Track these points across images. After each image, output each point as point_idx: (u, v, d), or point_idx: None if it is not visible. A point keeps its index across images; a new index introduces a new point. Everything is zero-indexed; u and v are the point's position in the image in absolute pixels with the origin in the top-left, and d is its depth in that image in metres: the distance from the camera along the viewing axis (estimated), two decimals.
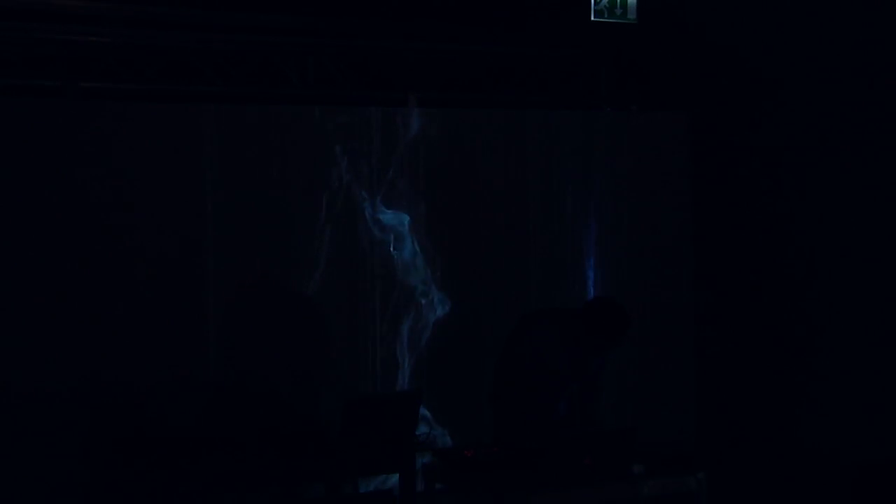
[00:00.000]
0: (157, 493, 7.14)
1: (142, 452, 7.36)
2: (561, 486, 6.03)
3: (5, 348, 7.58)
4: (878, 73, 8.30)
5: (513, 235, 9.27)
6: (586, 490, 6.13)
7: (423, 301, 8.99)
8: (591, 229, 9.56)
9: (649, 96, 9.64)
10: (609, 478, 6.14)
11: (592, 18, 7.86)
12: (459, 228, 9.12)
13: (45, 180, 7.80)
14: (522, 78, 9.30)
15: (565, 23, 8.35)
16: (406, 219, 8.91)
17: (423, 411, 8.42)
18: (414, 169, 8.93)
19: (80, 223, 7.89)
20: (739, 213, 9.55)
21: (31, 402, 7.64)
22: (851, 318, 8.67)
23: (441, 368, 8.94)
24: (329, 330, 8.67)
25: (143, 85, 8.24)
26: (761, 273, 9.40)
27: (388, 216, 8.91)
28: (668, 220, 9.71)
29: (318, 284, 8.61)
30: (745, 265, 9.51)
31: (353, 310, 8.74)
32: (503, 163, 9.22)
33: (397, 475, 7.70)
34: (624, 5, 7.94)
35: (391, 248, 8.91)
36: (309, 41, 8.55)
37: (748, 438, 9.25)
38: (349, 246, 8.72)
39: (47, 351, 7.70)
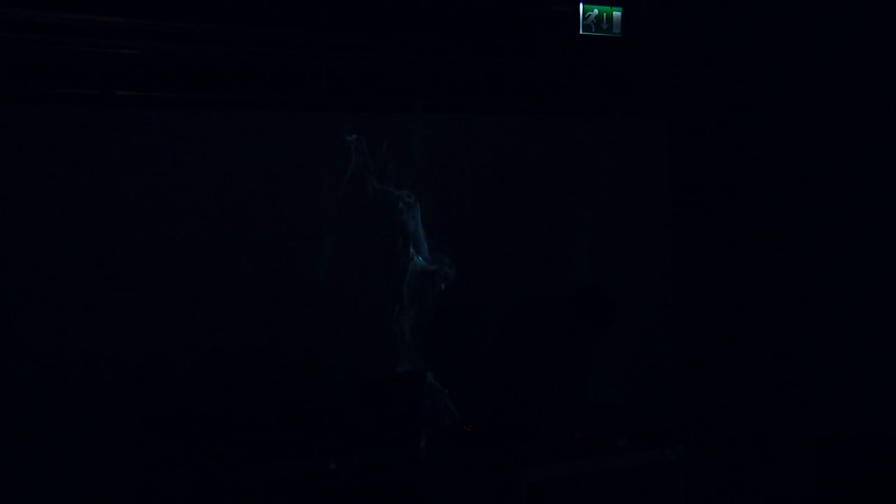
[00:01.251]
0: (186, 464, 7.18)
1: (172, 428, 7.39)
2: (553, 458, 6.04)
3: (51, 334, 7.60)
4: (846, 81, 8.29)
5: (510, 228, 9.26)
6: (576, 462, 6.14)
7: (428, 289, 8.97)
8: (580, 223, 9.57)
9: (633, 103, 9.63)
10: (597, 451, 6.13)
11: (581, 32, 7.80)
12: (462, 223, 9.11)
13: (86, 177, 7.79)
14: (518, 86, 9.30)
15: (556, 36, 8.31)
16: (414, 212, 8.89)
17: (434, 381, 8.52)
18: (420, 169, 8.91)
19: (117, 217, 7.88)
20: (715, 209, 9.54)
21: (74, 383, 7.64)
22: (815, 307, 8.66)
23: (445, 350, 8.92)
24: (342, 316, 8.65)
25: (173, 93, 8.25)
26: (735, 266, 9.38)
27: (395, 209, 8.88)
28: (650, 215, 9.73)
29: (335, 275, 8.60)
30: (719, 258, 9.50)
31: (365, 298, 8.72)
32: (501, 164, 9.21)
33: (404, 449, 7.76)
34: (609, 21, 7.86)
35: (399, 239, 8.88)
36: (323, 53, 8.55)
37: (723, 415, 9.25)
38: (360, 236, 8.71)
39: (89, 337, 7.71)
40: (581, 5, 7.80)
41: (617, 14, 7.92)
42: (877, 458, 6.90)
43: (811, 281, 8.74)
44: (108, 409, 7.68)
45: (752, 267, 9.25)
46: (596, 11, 7.87)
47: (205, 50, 8.20)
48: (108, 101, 7.95)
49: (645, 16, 8.01)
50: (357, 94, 8.76)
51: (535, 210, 9.39)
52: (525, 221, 9.35)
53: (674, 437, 6.40)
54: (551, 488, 6.69)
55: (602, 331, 6.73)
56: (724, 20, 8.25)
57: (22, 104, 7.79)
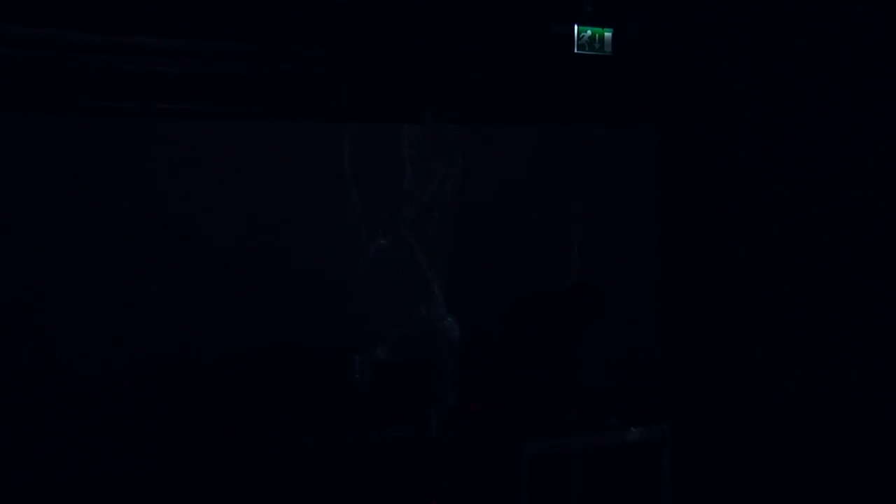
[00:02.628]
0: (219, 441, 7.25)
1: (206, 407, 7.49)
2: (550, 435, 6.06)
3: (100, 328, 7.66)
4: (819, 95, 8.27)
5: (512, 226, 9.26)
6: (571, 438, 6.15)
7: (436, 285, 9.02)
8: (575, 220, 9.57)
9: (622, 115, 9.61)
10: (590, 428, 6.16)
11: (576, 51, 7.72)
12: (467, 222, 9.12)
13: (129, 181, 7.83)
14: (519, 99, 9.28)
15: (554, 55, 8.25)
16: (427, 213, 8.94)
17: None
18: (433, 170, 8.96)
19: (159, 219, 7.92)
20: (696, 209, 9.54)
21: (121, 368, 7.70)
22: (788, 299, 8.64)
23: (453, 337, 9.00)
24: (359, 307, 8.68)
25: (207, 106, 8.25)
26: (714, 261, 9.37)
27: (409, 210, 8.90)
28: (637, 215, 9.73)
29: (355, 270, 8.65)
30: (700, 254, 9.50)
31: (377, 291, 8.76)
32: (504, 169, 9.22)
33: (415, 427, 7.79)
34: (602, 41, 7.79)
35: (411, 237, 8.92)
36: (343, 69, 8.52)
37: (703, 397, 9.25)
38: (375, 232, 8.72)
39: (135, 328, 7.77)
40: (576, 27, 7.70)
41: (608, 35, 7.83)
42: (841, 435, 6.92)
43: (784, 275, 8.71)
44: (150, 390, 7.73)
45: (729, 262, 9.23)
46: (589, 32, 7.79)
47: (236, 67, 8.19)
48: (149, 114, 7.96)
49: (633, 37, 7.97)
50: (374, 107, 8.74)
51: (534, 210, 9.38)
52: (525, 220, 9.34)
53: (659, 416, 6.37)
54: (549, 463, 6.68)
55: (594, 321, 6.72)
56: (705, 41, 8.25)
57: (73, 116, 7.80)
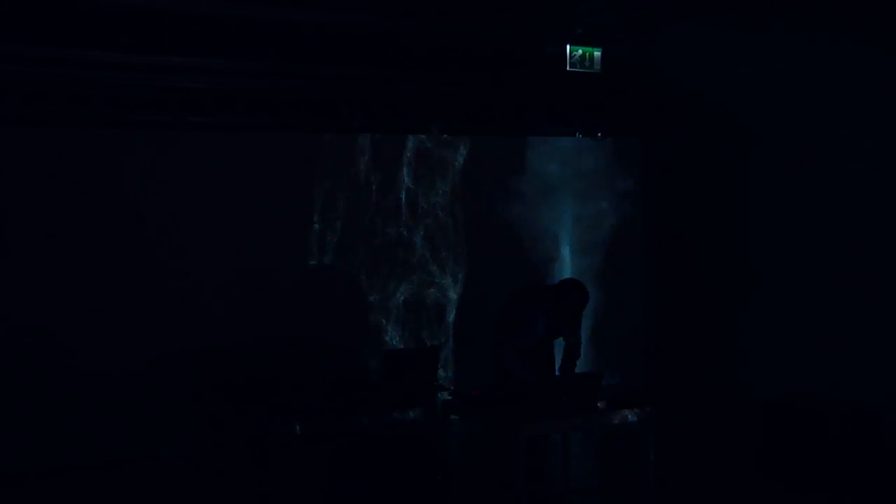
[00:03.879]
0: (247, 421, 7.27)
1: (237, 391, 7.42)
2: (545, 417, 5.98)
3: (146, 324, 7.75)
4: (788, 109, 8.33)
5: (510, 226, 9.30)
6: (563, 420, 6.09)
7: (444, 282, 9.06)
8: (567, 222, 9.60)
9: (611, 126, 9.63)
10: (580, 411, 6.06)
11: (568, 69, 7.52)
12: (472, 223, 9.17)
13: (160, 186, 7.90)
14: (517, 112, 9.30)
15: (548, 72, 8.21)
16: (435, 215, 8.98)
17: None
18: (438, 177, 9.02)
19: (192, 221, 7.98)
20: (677, 212, 9.59)
21: (166, 355, 7.81)
22: (760, 294, 8.69)
23: (457, 330, 9.06)
24: (368, 303, 8.74)
25: (235, 118, 8.28)
26: (694, 258, 9.40)
27: (420, 211, 8.98)
28: (623, 217, 9.76)
29: (360, 268, 8.69)
30: (681, 251, 9.53)
31: (387, 289, 8.83)
32: (502, 174, 9.27)
33: (422, 409, 7.73)
34: (591, 59, 7.63)
35: (421, 237, 8.96)
36: (356, 85, 8.56)
37: (683, 382, 9.30)
38: (390, 232, 8.78)
39: (177, 323, 7.88)
40: (568, 47, 7.53)
41: (597, 54, 7.65)
42: (808, 415, 6.93)
43: (758, 270, 8.75)
44: (189, 377, 7.84)
45: (708, 259, 9.24)
46: (580, 52, 7.62)
47: (261, 83, 8.22)
48: (182, 126, 8.01)
49: (621, 56, 7.97)
50: (385, 119, 8.78)
51: (530, 209, 9.42)
52: (523, 220, 9.38)
53: (643, 400, 6.31)
54: (544, 442, 6.70)
55: (577, 311, 6.63)
56: (687, 60, 8.23)
57: (115, 129, 7.88)
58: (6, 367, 7.31)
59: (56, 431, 7.48)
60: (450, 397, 6.96)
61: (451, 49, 8.30)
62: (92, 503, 6.91)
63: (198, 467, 7.53)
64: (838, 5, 6.19)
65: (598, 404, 6.13)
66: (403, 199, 8.88)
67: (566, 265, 9.49)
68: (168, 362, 7.78)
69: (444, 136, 9.02)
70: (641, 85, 9.14)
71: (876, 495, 6.37)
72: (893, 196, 7.59)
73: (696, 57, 8.26)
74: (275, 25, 7.10)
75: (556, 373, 6.82)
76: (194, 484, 7.24)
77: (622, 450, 7.26)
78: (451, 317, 9.09)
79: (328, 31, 7.38)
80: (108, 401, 7.61)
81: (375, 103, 8.73)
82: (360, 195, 8.69)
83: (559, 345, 6.85)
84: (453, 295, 9.09)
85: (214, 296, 7.99)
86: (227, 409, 7.61)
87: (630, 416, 6.13)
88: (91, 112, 7.73)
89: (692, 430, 8.43)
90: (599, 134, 9.55)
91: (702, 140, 9.22)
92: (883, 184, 7.67)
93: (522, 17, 7.27)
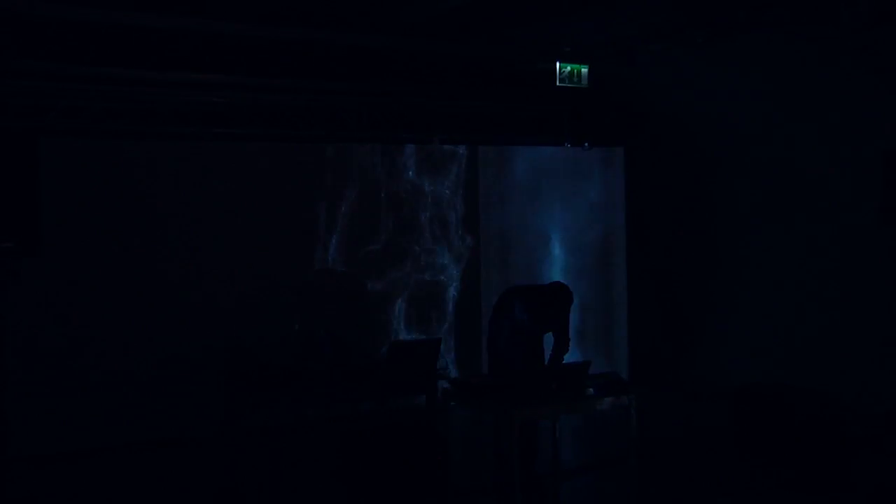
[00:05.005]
0: (264, 406, 7.29)
1: (255, 380, 7.44)
2: (537, 403, 5.93)
3: (174, 320, 7.82)
4: (759, 121, 8.38)
5: (505, 227, 9.35)
6: (553, 406, 6.04)
7: (444, 278, 9.09)
8: (557, 224, 9.63)
9: (596, 136, 9.64)
10: (569, 398, 6.01)
11: (557, 84, 7.64)
12: (468, 223, 9.17)
13: (187, 193, 7.94)
14: (511, 123, 9.34)
15: (539, 87, 8.31)
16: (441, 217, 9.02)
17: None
18: (439, 182, 9.05)
19: (214, 225, 8.02)
20: (657, 215, 9.61)
21: (191, 348, 7.88)
22: (733, 290, 8.73)
23: (458, 324, 9.12)
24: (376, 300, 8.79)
25: (253, 130, 8.31)
26: (673, 258, 9.43)
27: (421, 214, 9.01)
28: (609, 221, 9.79)
29: (365, 267, 8.72)
30: (662, 252, 9.55)
31: (394, 286, 8.85)
32: (498, 180, 9.32)
33: (424, 396, 7.78)
34: (579, 75, 7.74)
35: (422, 237, 9.00)
36: (363, 99, 8.61)
37: (663, 372, 9.33)
38: (394, 233, 8.78)
39: (199, 317, 7.95)
40: (558, 63, 7.58)
41: (584, 70, 7.67)
42: (775, 401, 6.95)
43: (731, 270, 8.80)
44: (212, 367, 7.82)
45: (685, 259, 9.27)
46: (569, 68, 7.65)
47: (277, 98, 8.28)
48: (206, 137, 8.10)
49: (606, 72, 8.01)
50: (389, 129, 8.81)
51: (524, 213, 9.48)
52: (518, 221, 9.42)
53: (627, 387, 6.25)
54: (536, 425, 6.68)
55: (563, 309, 6.62)
56: (666, 76, 8.29)
57: (143, 140, 7.95)
58: (51, 358, 7.39)
59: (97, 415, 7.55)
60: (449, 385, 6.85)
61: (450, 66, 8.35)
62: (128, 479, 6.95)
63: (221, 448, 7.56)
64: (796, 30, 6.29)
65: (586, 391, 6.07)
66: (406, 203, 8.92)
67: (557, 263, 9.52)
68: (193, 355, 7.84)
69: (445, 145, 9.06)
70: (624, 99, 9.19)
71: (834, 470, 6.38)
72: (849, 200, 7.64)
73: (673, 74, 8.36)
74: (288, 45, 7.17)
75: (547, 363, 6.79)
76: (217, 463, 7.26)
77: (607, 433, 7.27)
78: (450, 311, 9.14)
79: (337, 50, 7.43)
80: (142, 389, 7.68)
81: (380, 115, 8.76)
82: (367, 200, 8.71)
83: (549, 340, 6.83)
84: (453, 292, 9.13)
85: (235, 295, 8.04)
86: (246, 396, 7.53)
87: (614, 402, 6.08)
88: (122, 124, 7.81)
89: (671, 414, 8.42)
90: (586, 143, 9.58)
91: (679, 147, 9.26)
92: (840, 189, 7.74)
93: (516, 37, 7.35)
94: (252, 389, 7.35)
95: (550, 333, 6.76)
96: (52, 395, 7.38)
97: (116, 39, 6.75)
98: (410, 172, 8.93)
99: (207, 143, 8.04)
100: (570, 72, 7.73)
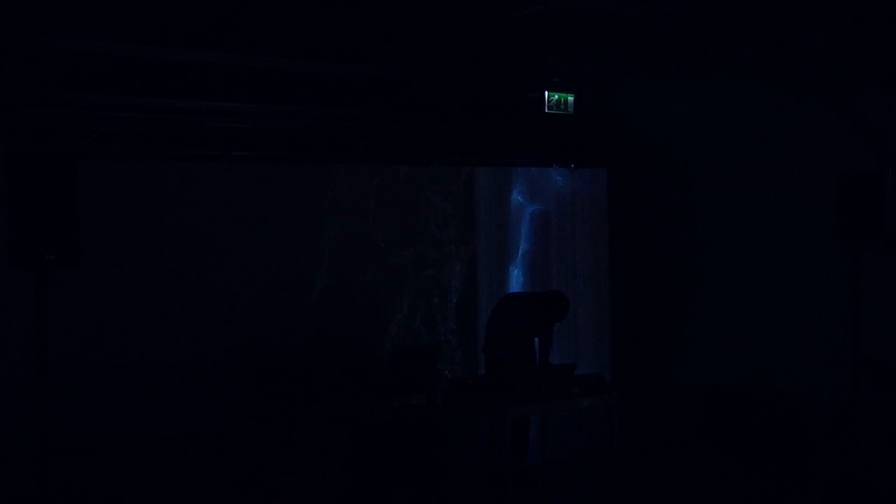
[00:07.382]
0: (278, 403, 7.38)
1: (270, 379, 7.61)
2: (528, 401, 5.91)
3: (195, 324, 7.82)
4: (732, 146, 8.46)
5: (500, 240, 9.37)
6: (542, 403, 6.00)
7: (446, 286, 9.12)
8: (545, 238, 9.64)
9: (582, 158, 9.73)
10: (557, 396, 5.97)
11: (546, 111, 7.64)
12: (465, 234, 9.19)
13: (210, 209, 7.96)
14: (504, 147, 9.43)
15: (529, 114, 8.34)
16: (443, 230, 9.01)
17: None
18: (442, 201, 9.09)
19: (234, 238, 8.02)
20: (637, 230, 9.68)
21: (211, 349, 7.85)
22: (706, 297, 8.80)
23: (456, 328, 9.12)
24: (381, 305, 8.77)
25: (270, 153, 8.42)
26: (652, 269, 9.50)
27: (423, 228, 9.02)
28: (595, 234, 9.85)
29: (377, 277, 8.74)
30: (641, 264, 9.62)
31: (398, 293, 8.86)
32: (493, 196, 9.35)
33: (425, 395, 7.95)
34: (566, 103, 7.75)
35: (423, 248, 9.00)
36: (370, 125, 8.68)
37: (643, 372, 9.41)
38: (398, 246, 8.79)
39: (218, 323, 7.93)
40: (546, 93, 7.59)
41: (571, 98, 7.69)
42: (743, 399, 6.96)
43: (704, 280, 8.90)
44: (231, 367, 7.88)
45: (663, 270, 9.37)
46: (556, 97, 7.66)
47: (290, 123, 8.36)
48: (226, 159, 8.17)
49: (591, 100, 8.03)
50: (394, 153, 8.90)
51: (516, 227, 9.49)
52: (509, 234, 9.43)
53: (610, 387, 6.20)
54: (526, 421, 6.66)
55: (560, 318, 6.58)
56: (647, 103, 8.36)
57: (174, 162, 8.01)
58: (87, 357, 7.42)
59: (126, 411, 7.56)
60: (448, 385, 6.80)
61: (449, 95, 8.41)
62: (153, 470, 6.97)
63: (238, 441, 7.56)
64: (759, 64, 6.43)
65: (572, 391, 6.05)
66: (410, 218, 8.93)
67: (548, 274, 9.53)
68: (213, 355, 7.83)
69: (444, 167, 9.08)
70: (607, 125, 9.26)
71: (797, 462, 6.41)
72: (809, 216, 7.71)
73: (651, 102, 8.44)
74: (303, 76, 7.22)
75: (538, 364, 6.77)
76: (235, 454, 7.27)
77: (591, 428, 7.19)
78: (451, 317, 9.15)
79: (347, 80, 7.50)
80: (167, 387, 7.68)
81: (386, 140, 8.83)
82: (375, 216, 8.73)
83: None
84: (454, 297, 9.16)
85: (253, 301, 8.03)
86: (262, 394, 7.64)
87: (599, 400, 6.07)
88: (152, 148, 7.95)
89: (650, 411, 8.44)
90: (573, 165, 9.64)
91: (657, 168, 9.34)
92: (801, 206, 7.81)
93: (509, 69, 7.45)
94: (267, 387, 7.43)
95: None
96: (86, 392, 7.41)
97: (147, 72, 6.84)
98: (415, 190, 8.95)
99: (229, 164, 8.12)
100: (557, 100, 7.76)
